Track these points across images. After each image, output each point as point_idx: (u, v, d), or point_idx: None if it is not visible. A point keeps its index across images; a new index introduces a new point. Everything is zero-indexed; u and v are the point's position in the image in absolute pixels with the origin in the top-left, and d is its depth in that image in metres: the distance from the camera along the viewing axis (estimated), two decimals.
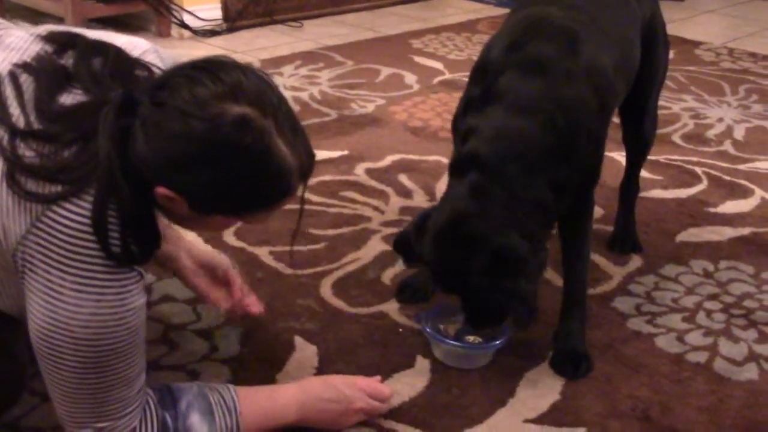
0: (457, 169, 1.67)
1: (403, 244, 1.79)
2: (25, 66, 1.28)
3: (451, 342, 1.74)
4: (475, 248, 1.58)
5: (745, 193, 2.57)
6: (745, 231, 2.35)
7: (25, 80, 1.27)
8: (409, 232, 1.74)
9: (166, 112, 1.20)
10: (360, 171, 2.61)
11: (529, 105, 1.64)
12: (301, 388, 1.54)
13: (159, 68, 1.35)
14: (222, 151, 1.21)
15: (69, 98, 1.26)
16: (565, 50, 1.70)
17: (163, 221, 1.58)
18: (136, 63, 1.34)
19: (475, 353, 1.76)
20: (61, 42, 1.33)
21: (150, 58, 1.38)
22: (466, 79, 1.83)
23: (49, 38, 1.34)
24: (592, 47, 1.73)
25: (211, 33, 4.07)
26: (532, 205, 1.61)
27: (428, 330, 1.75)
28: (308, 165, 1.32)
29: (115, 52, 1.32)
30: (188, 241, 1.75)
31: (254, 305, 1.73)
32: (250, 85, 1.24)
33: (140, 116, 1.22)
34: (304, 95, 3.23)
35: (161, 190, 1.24)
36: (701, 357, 1.81)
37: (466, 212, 1.60)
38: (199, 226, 1.42)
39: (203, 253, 1.74)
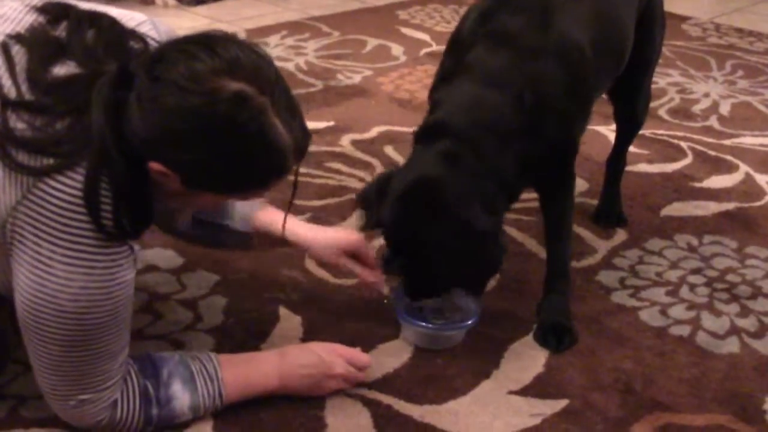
0: (423, 136, 1.65)
1: (365, 202, 1.73)
2: (18, 37, 1.27)
3: (422, 324, 1.70)
4: (438, 217, 1.55)
5: (730, 168, 2.58)
6: (730, 206, 2.35)
7: (18, 51, 1.26)
8: (370, 191, 1.70)
9: (162, 86, 1.19)
10: (346, 142, 2.60)
11: (498, 78, 1.63)
12: (281, 355, 1.54)
13: (154, 40, 1.34)
14: (217, 127, 1.20)
15: (62, 70, 1.25)
16: (535, 23, 1.68)
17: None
18: (131, 35, 1.32)
19: (446, 334, 1.73)
20: (54, 13, 1.31)
21: (145, 29, 1.36)
22: None
23: (43, 9, 1.32)
24: (566, 21, 1.70)
25: (197, 1, 4.02)
26: (499, 177, 1.60)
27: (398, 311, 1.72)
28: (303, 143, 1.31)
29: (109, 23, 1.31)
30: (294, 232, 1.72)
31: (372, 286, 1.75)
32: (247, 60, 1.22)
33: (136, 90, 1.20)
34: (290, 65, 3.21)
35: (154, 166, 1.22)
36: (684, 330, 1.82)
37: (433, 177, 1.57)
38: (191, 203, 1.41)
39: (312, 250, 1.74)
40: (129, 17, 1.37)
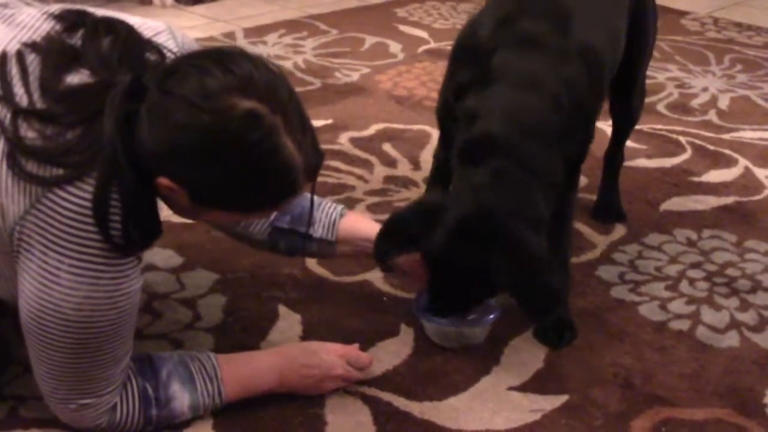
0: (470, 154, 1.61)
1: (394, 231, 1.65)
2: (33, 45, 1.26)
3: (440, 320, 1.68)
4: (499, 248, 1.51)
5: (729, 162, 2.58)
6: (729, 200, 2.35)
7: (33, 60, 1.25)
8: (404, 219, 1.64)
9: (173, 100, 1.18)
10: (344, 140, 2.60)
11: (533, 82, 1.61)
12: (281, 354, 1.54)
13: (171, 51, 1.33)
14: (227, 145, 1.19)
15: (76, 78, 1.24)
16: (558, 28, 1.67)
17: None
18: (148, 45, 1.31)
19: (466, 330, 1.71)
20: (72, 21, 1.30)
21: (163, 39, 1.35)
22: (451, 48, 1.81)
23: (60, 17, 1.31)
24: (584, 26, 1.70)
25: (194, 0, 4.02)
26: (551, 186, 1.59)
27: (419, 312, 1.70)
28: (315, 164, 1.29)
29: (126, 32, 1.30)
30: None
31: None
32: (261, 78, 1.20)
33: (147, 102, 1.19)
34: (288, 64, 3.20)
35: (162, 180, 1.22)
36: (684, 325, 1.82)
37: (492, 205, 1.53)
38: (200, 218, 1.40)
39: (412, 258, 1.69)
40: (146, 26, 1.36)
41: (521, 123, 1.59)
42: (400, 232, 1.64)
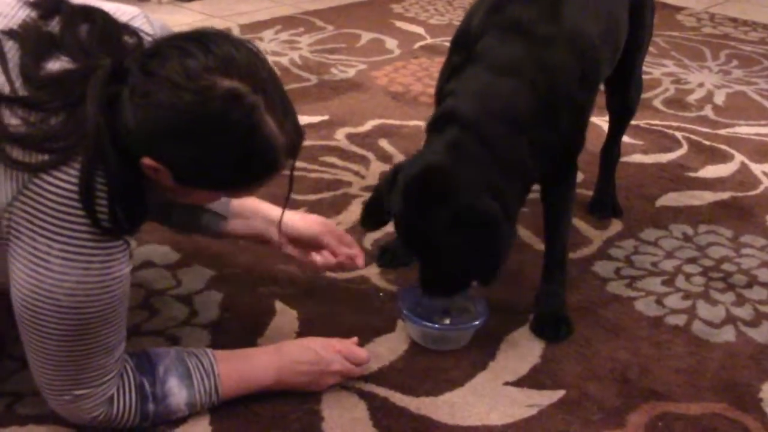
0: (433, 125, 1.65)
1: (374, 204, 1.73)
2: (10, 33, 1.27)
3: (427, 324, 1.68)
4: (442, 205, 1.54)
5: (725, 157, 2.58)
6: (725, 195, 2.36)
7: (11, 48, 1.25)
8: (380, 190, 1.70)
9: (155, 81, 1.19)
10: (340, 136, 2.60)
11: (509, 66, 1.62)
12: (278, 351, 1.54)
13: (148, 34, 1.34)
14: (209, 124, 1.20)
15: (56, 65, 1.25)
16: (547, 14, 1.67)
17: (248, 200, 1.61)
18: (125, 29, 1.31)
19: (450, 334, 1.71)
20: (47, 8, 1.31)
21: (139, 23, 1.36)
22: (448, 44, 1.82)
23: (35, 4, 1.32)
24: (576, 13, 1.70)
25: None
26: (511, 166, 1.59)
27: (405, 312, 1.70)
28: (296, 143, 1.31)
29: (102, 17, 1.30)
30: (275, 216, 1.70)
31: (352, 260, 1.72)
32: (241, 59, 1.22)
33: (129, 85, 1.20)
34: (284, 60, 3.20)
35: (146, 161, 1.23)
36: (680, 320, 1.82)
37: (438, 166, 1.56)
38: (185, 198, 1.40)
39: (292, 228, 1.70)
40: (122, 11, 1.37)
41: (485, 103, 1.60)
42: (378, 206, 1.69)
